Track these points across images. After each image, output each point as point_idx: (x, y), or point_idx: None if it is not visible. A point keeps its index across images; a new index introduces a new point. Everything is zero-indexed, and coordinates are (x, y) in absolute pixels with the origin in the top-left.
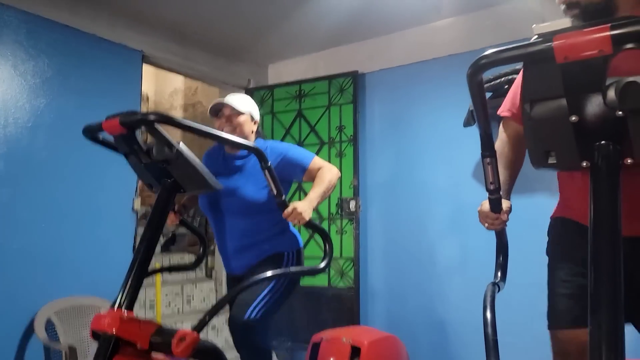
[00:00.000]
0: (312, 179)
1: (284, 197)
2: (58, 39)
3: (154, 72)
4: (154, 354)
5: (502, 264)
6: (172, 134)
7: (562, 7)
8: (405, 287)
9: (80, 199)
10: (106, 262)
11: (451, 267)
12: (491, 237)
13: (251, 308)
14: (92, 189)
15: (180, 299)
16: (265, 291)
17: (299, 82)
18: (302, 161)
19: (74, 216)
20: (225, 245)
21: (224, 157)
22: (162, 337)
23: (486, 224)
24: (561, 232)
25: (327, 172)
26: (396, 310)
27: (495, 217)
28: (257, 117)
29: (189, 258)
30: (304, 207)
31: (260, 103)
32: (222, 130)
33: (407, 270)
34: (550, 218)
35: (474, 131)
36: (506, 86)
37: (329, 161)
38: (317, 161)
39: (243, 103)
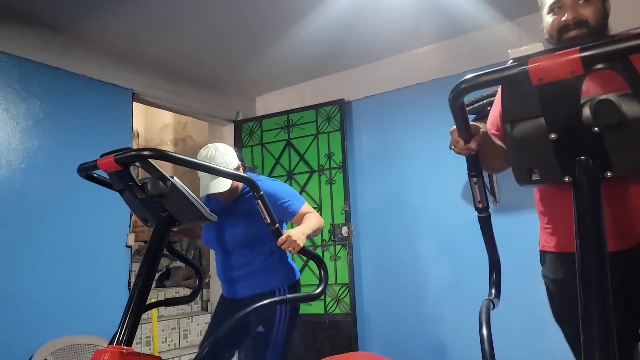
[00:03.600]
0: (298, 222)
1: (277, 225)
2: (49, 81)
3: (143, 108)
4: None
5: (495, 280)
6: (163, 169)
7: (565, 25)
8: (400, 311)
9: (74, 237)
10: (101, 300)
11: (445, 288)
12: (483, 257)
13: None
14: (86, 227)
15: (176, 334)
16: (272, 339)
17: (287, 112)
18: (293, 208)
19: (68, 255)
20: (230, 274)
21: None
22: None
23: (455, 148)
24: (562, 277)
25: (314, 216)
26: (393, 334)
27: (465, 146)
28: (235, 163)
29: (183, 292)
30: (297, 233)
31: (249, 134)
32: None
33: (401, 294)
34: (543, 251)
35: None
36: (488, 107)
37: (320, 188)
38: (306, 207)
39: (222, 178)
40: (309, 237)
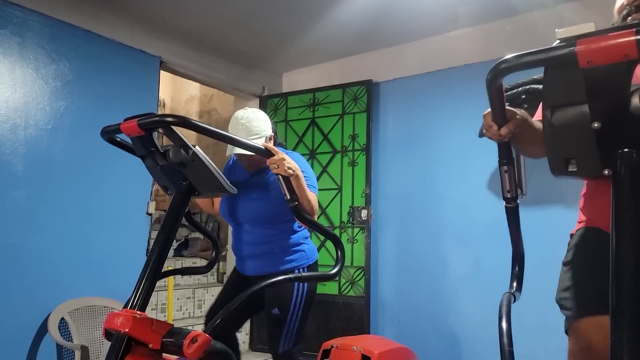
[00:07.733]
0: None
1: (297, 202)
2: (79, 43)
3: (171, 78)
4: (166, 355)
5: (518, 274)
6: (188, 140)
7: (624, 11)
8: (416, 298)
9: (97, 200)
10: (120, 264)
11: (463, 278)
12: (503, 249)
13: (282, 341)
14: (109, 192)
15: (191, 303)
16: (287, 319)
17: (313, 91)
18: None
19: (90, 218)
20: (241, 249)
21: (245, 171)
22: (175, 338)
23: (487, 133)
24: (586, 238)
25: (314, 196)
26: (407, 321)
27: (497, 131)
28: (269, 132)
29: (200, 263)
30: (293, 164)
31: (274, 111)
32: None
33: (418, 281)
34: (572, 234)
35: (488, 142)
36: (523, 96)
37: (342, 169)
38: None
39: (254, 139)
40: (296, 187)
